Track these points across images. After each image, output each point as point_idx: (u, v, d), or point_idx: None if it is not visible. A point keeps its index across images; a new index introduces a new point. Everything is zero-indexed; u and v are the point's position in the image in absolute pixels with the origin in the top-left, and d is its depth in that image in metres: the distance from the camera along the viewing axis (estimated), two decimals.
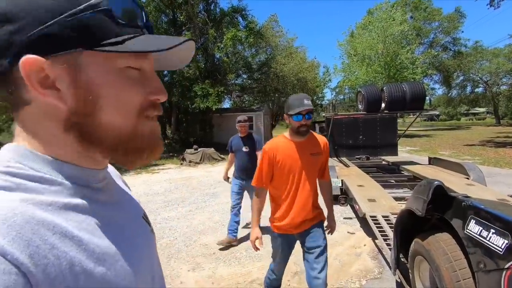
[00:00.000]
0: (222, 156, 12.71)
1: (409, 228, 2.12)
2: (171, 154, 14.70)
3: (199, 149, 12.28)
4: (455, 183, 4.45)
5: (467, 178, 4.84)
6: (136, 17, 0.41)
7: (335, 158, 7.63)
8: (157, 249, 0.57)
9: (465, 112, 50.58)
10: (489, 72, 29.88)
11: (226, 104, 22.47)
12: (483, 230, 1.36)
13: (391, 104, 6.18)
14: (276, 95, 22.87)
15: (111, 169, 0.55)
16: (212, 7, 16.96)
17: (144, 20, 0.42)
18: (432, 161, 6.33)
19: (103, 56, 0.37)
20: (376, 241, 3.45)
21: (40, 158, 0.39)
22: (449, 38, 30.95)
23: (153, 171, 10.44)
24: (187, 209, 5.42)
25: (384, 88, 6.29)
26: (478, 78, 32.79)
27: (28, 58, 0.34)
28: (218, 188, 7.10)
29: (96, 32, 0.36)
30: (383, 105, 6.45)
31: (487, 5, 14.75)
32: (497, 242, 1.27)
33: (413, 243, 1.95)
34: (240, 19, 15.92)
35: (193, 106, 14.42)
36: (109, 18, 0.37)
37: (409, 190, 5.41)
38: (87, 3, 0.36)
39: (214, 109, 14.31)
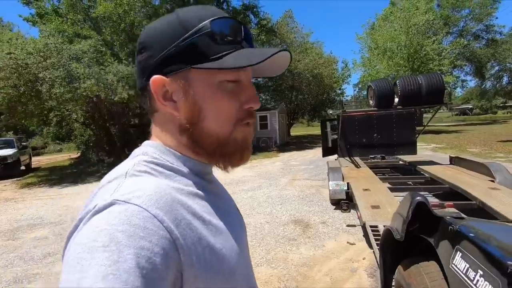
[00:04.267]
0: None
1: (396, 249, 1.74)
2: None
3: None
4: (476, 187, 3.89)
5: (492, 181, 4.24)
6: (236, 34, 0.46)
7: (347, 158, 7.16)
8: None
9: (501, 105, 46.75)
10: None
11: None
12: (470, 270, 1.00)
13: (404, 99, 5.62)
14: (293, 92, 22.30)
15: None
16: (225, 6, 16.83)
17: (243, 35, 0.46)
18: (454, 160, 5.70)
19: (205, 73, 0.45)
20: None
21: (172, 153, 0.48)
22: (481, 26, 28.45)
23: None
24: None
25: (397, 82, 5.74)
26: None
27: (155, 78, 0.45)
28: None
29: (201, 52, 0.44)
30: (396, 100, 5.90)
31: None
32: None
33: (396, 270, 1.59)
34: (252, 16, 15.64)
35: None
36: (211, 40, 0.44)
37: (427, 193, 4.88)
38: (194, 28, 0.44)
39: None
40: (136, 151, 0.49)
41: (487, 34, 28.69)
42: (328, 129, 8.12)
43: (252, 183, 7.60)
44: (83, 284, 0.30)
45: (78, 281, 0.30)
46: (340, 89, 22.06)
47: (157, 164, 0.45)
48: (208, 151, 0.48)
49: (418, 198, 1.33)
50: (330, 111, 7.80)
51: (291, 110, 23.73)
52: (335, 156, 7.76)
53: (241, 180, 8.02)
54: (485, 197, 3.48)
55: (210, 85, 0.45)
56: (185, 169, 0.47)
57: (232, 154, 0.48)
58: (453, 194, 4.27)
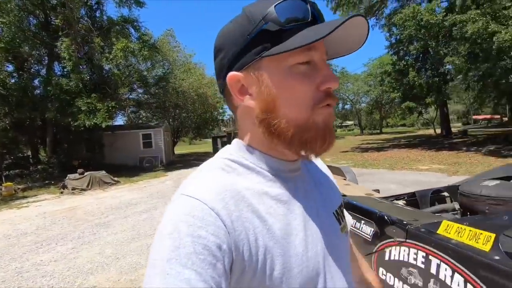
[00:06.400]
0: (115, 179, 11.25)
1: None
2: (46, 182, 12.07)
3: (86, 173, 10.52)
4: (337, 184, 5.25)
5: (345, 179, 5.79)
6: (303, 13, 0.44)
7: None
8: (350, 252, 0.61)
9: (339, 124, 61.36)
10: (353, 92, 37.65)
11: (120, 121, 20.29)
12: (356, 222, 1.61)
13: None
14: (177, 110, 22.11)
15: (319, 162, 0.64)
16: (98, 14, 15.26)
17: (313, 13, 0.44)
18: None
19: (275, 60, 0.43)
20: None
21: (250, 150, 0.49)
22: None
23: (19, 205, 8.29)
24: (69, 246, 4.48)
25: None
26: (346, 97, 40.81)
27: (229, 75, 0.46)
28: (110, 216, 6.19)
29: (268, 39, 0.43)
30: None
31: None
32: (366, 230, 1.51)
33: None
34: (132, 30, 14.85)
35: (75, 124, 12.35)
36: (277, 25, 0.42)
37: None
38: (260, 17, 0.43)
39: (104, 127, 12.63)
40: (222, 149, 0.53)
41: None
42: (219, 146, 8.73)
43: (145, 204, 7.15)
44: (156, 264, 0.36)
45: (153, 262, 0.37)
46: (222, 108, 23.56)
47: (232, 161, 0.48)
48: (286, 140, 0.45)
49: None
50: (224, 128, 8.41)
51: (175, 128, 23.36)
52: None
53: (130, 203, 7.40)
54: (342, 190, 4.75)
55: (281, 71, 0.43)
56: (259, 167, 0.48)
57: (313, 140, 0.45)
58: None
